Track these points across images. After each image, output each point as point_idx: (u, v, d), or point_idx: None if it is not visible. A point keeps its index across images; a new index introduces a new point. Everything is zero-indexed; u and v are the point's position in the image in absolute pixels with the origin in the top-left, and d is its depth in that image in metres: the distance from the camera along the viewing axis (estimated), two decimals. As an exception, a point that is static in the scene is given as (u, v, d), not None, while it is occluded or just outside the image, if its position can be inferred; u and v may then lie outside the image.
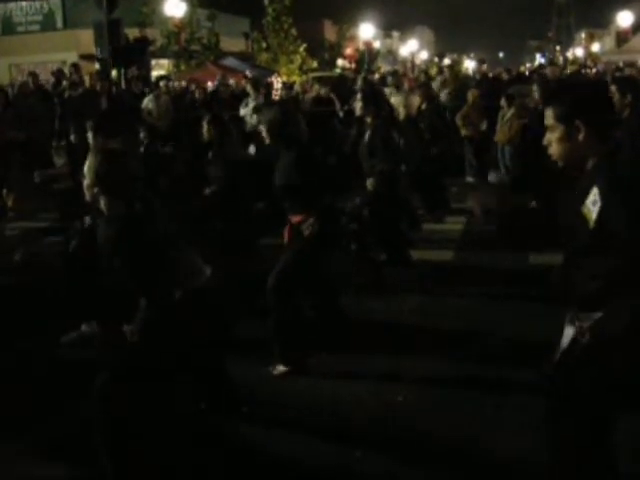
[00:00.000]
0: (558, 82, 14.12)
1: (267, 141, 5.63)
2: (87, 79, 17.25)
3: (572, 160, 3.04)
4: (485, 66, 27.41)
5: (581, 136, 2.96)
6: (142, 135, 9.51)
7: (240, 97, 15.75)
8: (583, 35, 75.73)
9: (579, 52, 67.30)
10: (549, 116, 3.04)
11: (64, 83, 16.46)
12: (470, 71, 45.17)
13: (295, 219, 5.52)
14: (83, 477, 4.23)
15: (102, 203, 3.94)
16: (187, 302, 3.87)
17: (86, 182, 3.98)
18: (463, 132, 12.83)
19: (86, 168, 3.98)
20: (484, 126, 12.85)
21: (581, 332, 3.00)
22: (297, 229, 5.50)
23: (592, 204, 2.86)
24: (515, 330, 6.02)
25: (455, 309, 6.63)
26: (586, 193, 2.90)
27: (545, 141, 3.08)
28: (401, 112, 9.60)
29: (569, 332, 3.12)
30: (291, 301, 5.45)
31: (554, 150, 3.05)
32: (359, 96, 7.65)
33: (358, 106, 7.53)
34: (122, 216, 3.84)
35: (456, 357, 5.59)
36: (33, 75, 16.85)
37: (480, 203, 3.04)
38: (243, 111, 14.69)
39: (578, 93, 3.12)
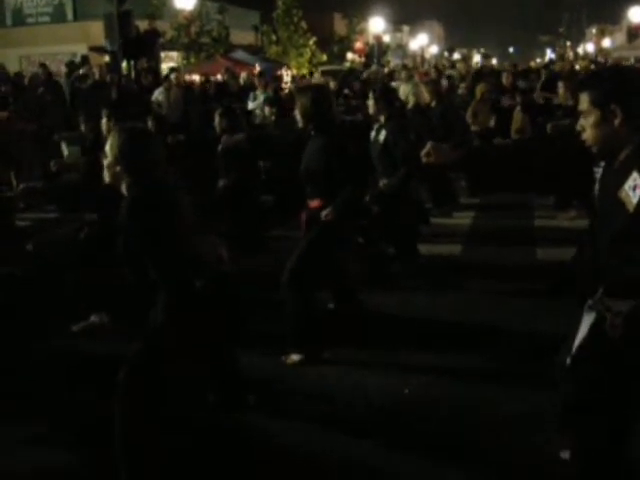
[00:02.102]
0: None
1: (300, 124, 5.64)
2: (97, 71, 17.29)
3: (607, 146, 2.96)
4: (494, 60, 27.14)
5: (617, 121, 2.89)
6: (149, 125, 9.52)
7: (248, 90, 15.76)
8: (594, 30, 75.34)
9: (590, 47, 66.96)
10: (584, 101, 2.97)
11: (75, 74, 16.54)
12: (480, 66, 45.02)
13: (313, 204, 5.55)
14: (84, 465, 4.25)
15: (123, 184, 3.80)
16: (208, 291, 3.82)
17: (107, 161, 3.83)
18: (472, 128, 12.78)
19: (108, 147, 3.82)
20: (492, 122, 12.79)
21: (613, 324, 2.98)
22: (314, 215, 5.53)
23: (631, 189, 2.81)
24: (523, 324, 6.04)
25: (463, 303, 6.64)
26: (622, 178, 2.86)
27: (579, 127, 3.02)
28: (410, 101, 9.58)
29: (589, 319, 3.09)
30: (306, 292, 5.47)
31: (588, 135, 2.97)
32: (371, 95, 7.61)
33: (370, 105, 7.51)
34: (143, 198, 3.70)
35: (464, 351, 5.60)
36: (43, 67, 16.91)
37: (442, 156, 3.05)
38: (252, 104, 14.72)
39: (615, 77, 3.02)
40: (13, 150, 11.63)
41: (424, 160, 3.46)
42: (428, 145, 3.48)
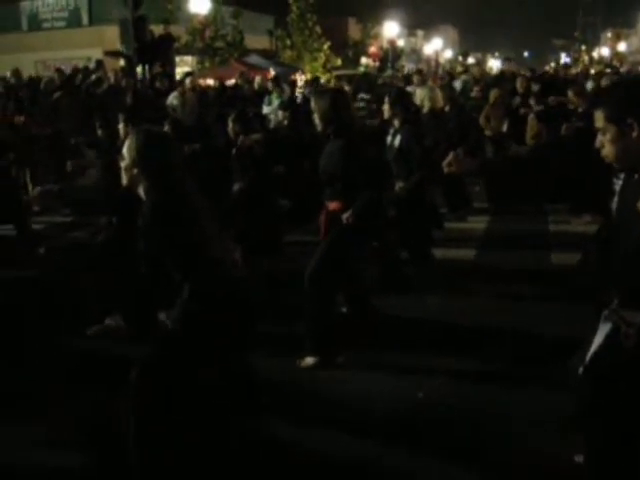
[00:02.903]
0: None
1: (318, 128, 5.64)
2: (112, 75, 17.37)
3: (628, 161, 2.94)
4: (512, 64, 26.85)
5: (635, 134, 2.88)
6: (166, 129, 9.54)
7: (263, 95, 15.80)
8: (609, 34, 75.14)
9: (605, 52, 66.73)
10: (599, 118, 2.98)
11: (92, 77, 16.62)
12: (495, 70, 44.93)
13: (332, 206, 5.57)
14: (93, 466, 4.28)
15: (140, 187, 3.80)
16: (225, 294, 3.82)
17: (125, 163, 3.81)
18: (486, 132, 12.74)
19: (125, 149, 3.81)
20: (505, 127, 12.73)
21: (626, 334, 2.97)
22: (333, 217, 5.54)
23: None
24: (537, 328, 6.02)
25: (476, 307, 6.64)
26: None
27: (597, 143, 3.02)
28: (425, 105, 9.59)
29: (604, 329, 3.09)
30: (325, 295, 5.47)
31: (607, 152, 2.97)
32: (386, 99, 7.63)
33: (385, 109, 7.53)
34: (163, 203, 3.69)
35: (477, 355, 5.60)
36: (59, 71, 17.01)
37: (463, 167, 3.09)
38: (267, 109, 14.76)
39: (627, 91, 3.04)
40: (28, 154, 11.70)
41: (445, 170, 3.47)
42: (450, 155, 3.48)
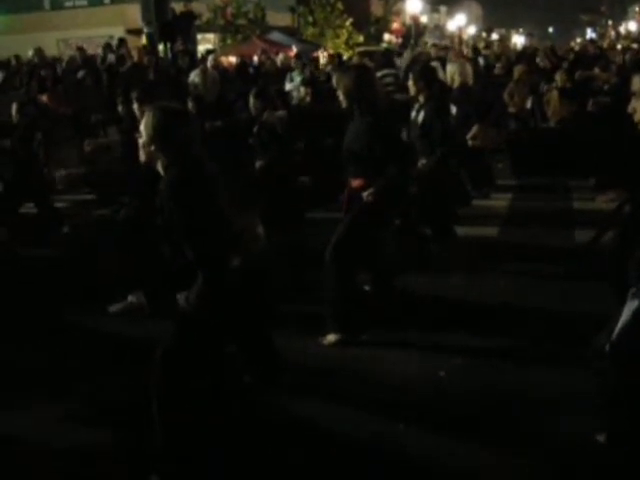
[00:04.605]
0: None
1: (343, 105, 5.58)
2: (135, 54, 17.38)
3: None
4: (534, 40, 26.56)
5: None
6: (190, 106, 9.55)
7: (285, 72, 15.74)
8: (637, 8, 73.87)
9: (632, 26, 65.63)
10: (636, 82, 2.97)
11: (111, 57, 16.63)
12: (519, 46, 44.42)
13: (355, 183, 5.53)
14: (125, 443, 4.30)
15: (159, 163, 3.78)
16: (244, 271, 3.80)
17: (142, 140, 3.80)
18: (509, 109, 12.63)
19: (142, 126, 3.79)
20: (529, 104, 12.59)
21: None
22: (356, 194, 5.51)
23: None
24: (559, 307, 5.98)
25: (499, 285, 6.60)
26: None
27: (630, 109, 2.99)
28: (456, 80, 9.52)
29: (632, 306, 3.06)
30: (346, 272, 5.45)
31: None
32: (410, 75, 7.56)
33: (410, 85, 7.47)
34: (181, 178, 3.67)
35: (500, 334, 5.57)
36: (81, 50, 17.04)
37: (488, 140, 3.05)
38: (289, 86, 14.70)
39: None
40: (52, 133, 11.75)
41: (470, 143, 3.45)
42: (475, 128, 3.46)
